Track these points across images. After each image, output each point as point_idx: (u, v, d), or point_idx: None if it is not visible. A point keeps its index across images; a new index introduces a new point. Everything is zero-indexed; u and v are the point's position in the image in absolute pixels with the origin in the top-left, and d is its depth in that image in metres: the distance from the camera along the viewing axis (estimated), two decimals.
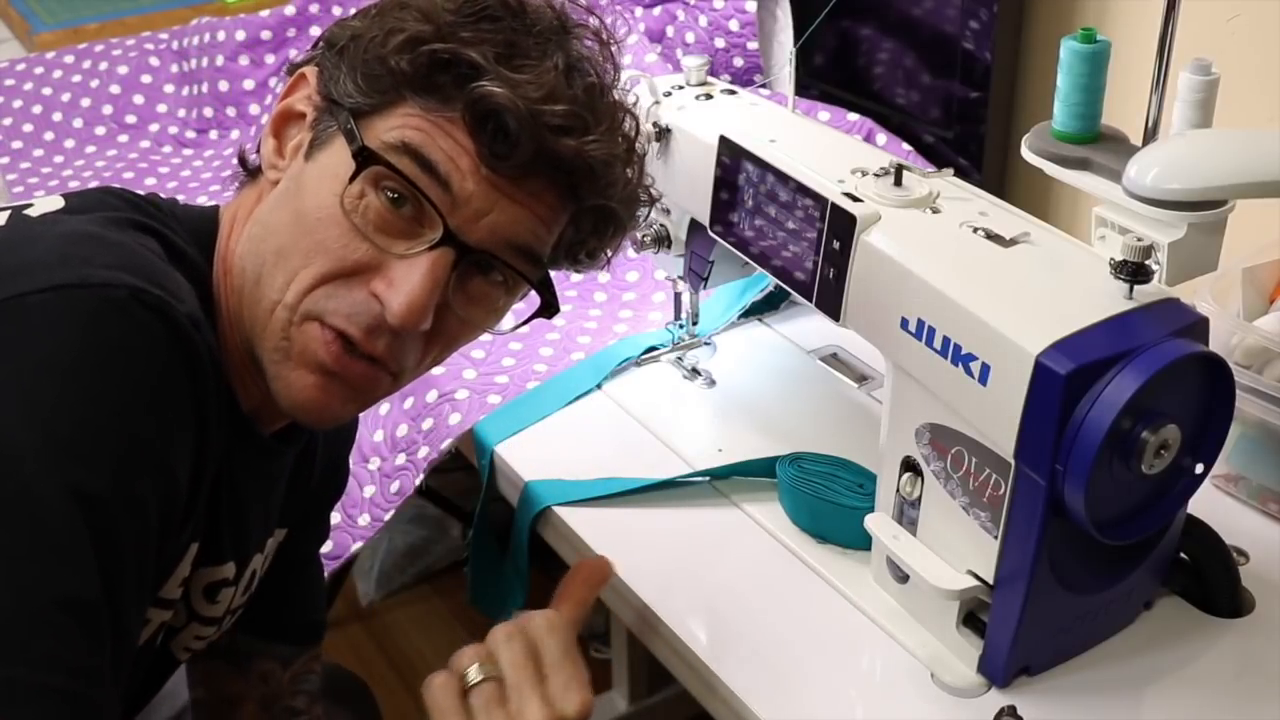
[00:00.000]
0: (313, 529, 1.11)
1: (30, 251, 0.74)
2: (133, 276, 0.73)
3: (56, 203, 0.82)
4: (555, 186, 0.86)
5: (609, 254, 0.95)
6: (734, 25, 1.67)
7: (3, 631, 0.64)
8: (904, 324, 0.94)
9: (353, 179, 0.81)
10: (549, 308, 0.92)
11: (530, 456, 1.22)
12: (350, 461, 1.31)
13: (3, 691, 0.63)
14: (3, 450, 0.67)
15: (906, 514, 1.00)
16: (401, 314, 0.81)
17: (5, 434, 0.67)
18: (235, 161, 0.93)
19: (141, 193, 0.88)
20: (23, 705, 0.64)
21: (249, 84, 1.91)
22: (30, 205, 0.82)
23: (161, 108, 1.94)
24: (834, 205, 1.00)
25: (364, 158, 0.81)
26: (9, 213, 0.81)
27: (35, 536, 0.66)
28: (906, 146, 1.50)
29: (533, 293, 0.91)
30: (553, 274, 1.53)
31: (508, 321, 0.93)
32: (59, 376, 0.69)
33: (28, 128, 1.89)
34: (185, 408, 0.75)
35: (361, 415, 1.33)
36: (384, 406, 1.33)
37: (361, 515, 1.26)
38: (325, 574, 1.24)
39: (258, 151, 0.90)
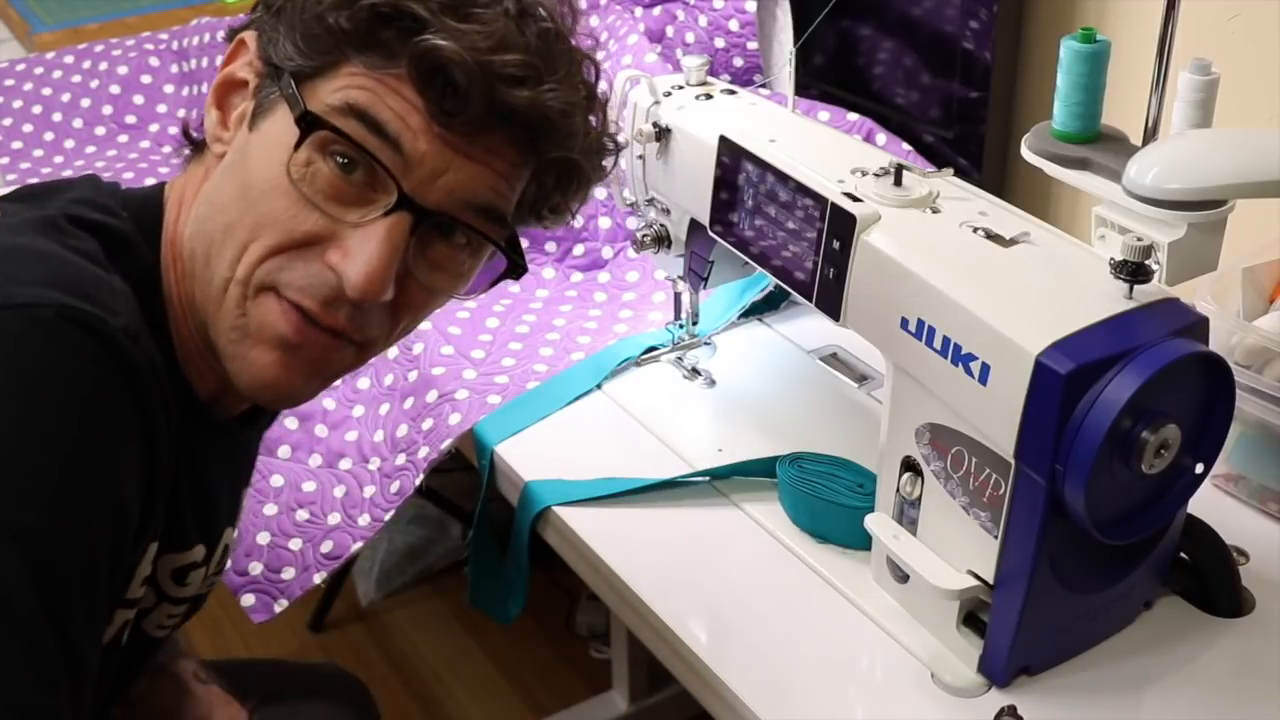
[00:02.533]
0: None
1: None
2: (60, 293, 0.70)
3: None
4: (513, 141, 0.82)
5: (575, 208, 0.91)
6: (734, 25, 1.67)
7: None
8: (904, 324, 0.94)
9: (298, 146, 0.78)
10: (516, 268, 0.88)
11: (530, 456, 1.22)
12: (350, 461, 1.31)
13: None
14: None
15: (906, 514, 1.00)
16: (360, 285, 0.78)
17: None
18: (177, 134, 0.89)
19: (74, 189, 0.84)
20: None
21: None
22: None
23: (161, 108, 1.94)
24: (834, 205, 1.00)
25: (308, 122, 0.77)
26: None
27: None
28: (906, 146, 1.50)
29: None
30: (553, 274, 1.54)
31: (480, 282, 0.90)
32: None
33: (28, 128, 1.89)
34: (127, 425, 0.72)
35: (361, 415, 1.33)
36: (384, 406, 1.33)
37: (361, 515, 1.26)
38: (325, 574, 1.24)
39: (201, 125, 0.86)
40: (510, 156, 0.82)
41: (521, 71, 0.79)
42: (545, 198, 0.88)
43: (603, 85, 0.88)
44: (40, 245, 0.75)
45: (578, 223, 1.54)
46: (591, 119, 0.86)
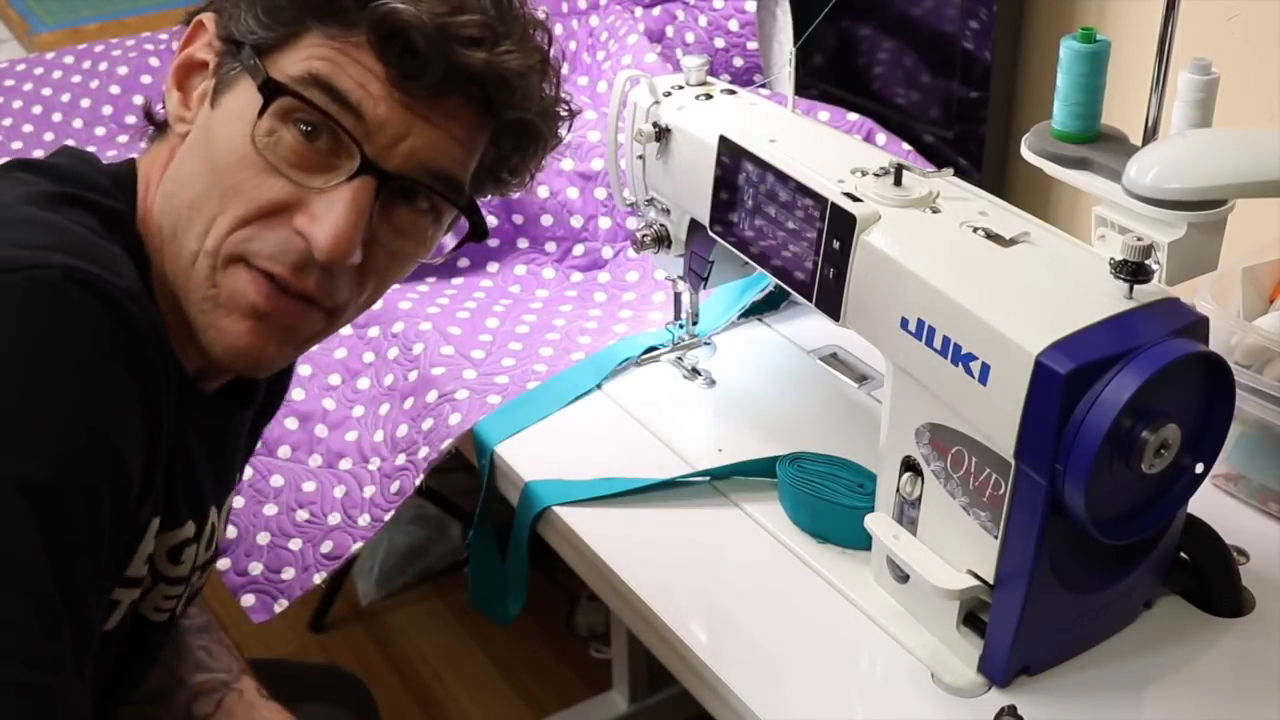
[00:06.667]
0: None
1: None
2: (65, 255, 0.72)
3: None
4: (472, 104, 0.84)
5: (532, 172, 0.94)
6: (734, 25, 1.67)
7: None
8: (904, 324, 0.94)
9: (261, 113, 0.80)
10: (478, 230, 0.91)
11: (530, 456, 1.22)
12: (350, 461, 1.31)
13: None
14: None
15: (906, 514, 1.00)
16: (328, 247, 0.80)
17: None
18: (143, 116, 0.91)
19: (63, 161, 0.86)
20: None
21: None
22: None
23: (161, 108, 1.94)
24: (834, 205, 1.00)
25: (271, 90, 0.80)
26: None
27: None
28: (906, 146, 1.50)
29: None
30: (553, 274, 1.54)
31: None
32: None
33: (28, 128, 1.89)
34: (129, 387, 0.73)
35: (361, 415, 1.33)
36: (384, 406, 1.33)
37: (361, 515, 1.26)
38: (325, 574, 1.24)
39: (164, 105, 0.88)
40: (468, 120, 0.85)
41: (479, 33, 0.82)
42: (503, 160, 0.91)
43: (554, 51, 0.91)
44: (44, 216, 0.77)
45: (577, 223, 1.54)
46: (546, 85, 0.89)
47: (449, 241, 0.96)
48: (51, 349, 0.69)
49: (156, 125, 0.91)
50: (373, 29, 0.80)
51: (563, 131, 0.93)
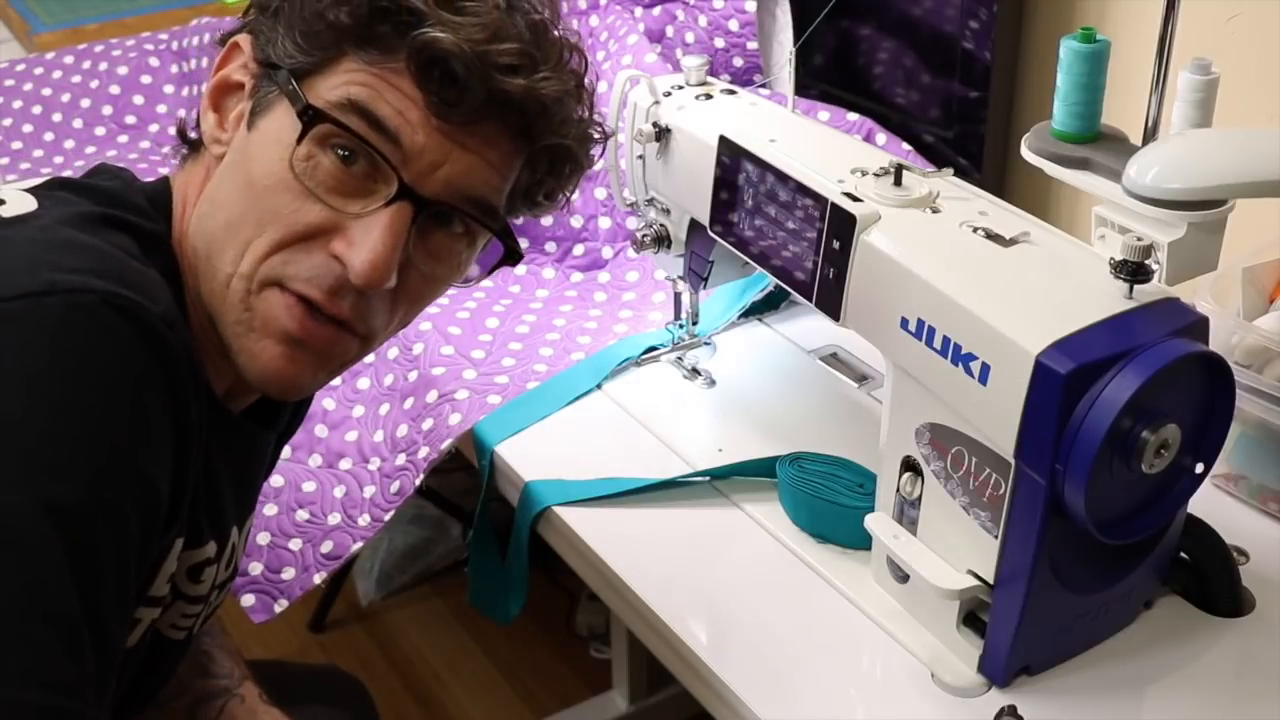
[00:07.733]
0: None
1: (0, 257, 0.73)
2: (103, 280, 0.72)
3: (29, 202, 0.81)
4: (508, 130, 0.85)
5: (568, 194, 0.94)
6: (734, 25, 1.67)
7: None
8: (904, 324, 0.94)
9: (300, 140, 0.80)
10: (513, 255, 0.91)
11: (530, 456, 1.22)
12: (350, 461, 1.31)
13: None
14: None
15: (906, 514, 1.00)
16: (365, 272, 0.80)
17: None
18: (174, 134, 0.91)
19: (103, 181, 0.86)
20: None
21: None
22: (2, 203, 0.80)
23: (161, 108, 1.94)
24: (834, 205, 1.00)
25: (310, 116, 0.80)
26: None
27: (6, 551, 0.65)
28: (906, 146, 1.50)
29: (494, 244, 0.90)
30: (553, 274, 1.54)
31: (473, 271, 0.92)
32: (27, 386, 0.68)
33: (28, 128, 1.89)
34: (161, 413, 0.73)
35: (361, 415, 1.33)
36: (384, 406, 1.33)
37: (361, 515, 1.26)
38: (325, 574, 1.24)
39: (197, 125, 0.88)
40: (504, 146, 0.85)
41: (517, 60, 0.82)
42: (539, 184, 0.91)
43: (589, 75, 0.90)
44: (83, 239, 0.77)
45: (577, 223, 1.54)
46: (580, 109, 0.89)
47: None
48: (85, 374, 0.70)
49: (190, 144, 0.90)
50: (412, 57, 0.80)
51: (595, 152, 0.93)
